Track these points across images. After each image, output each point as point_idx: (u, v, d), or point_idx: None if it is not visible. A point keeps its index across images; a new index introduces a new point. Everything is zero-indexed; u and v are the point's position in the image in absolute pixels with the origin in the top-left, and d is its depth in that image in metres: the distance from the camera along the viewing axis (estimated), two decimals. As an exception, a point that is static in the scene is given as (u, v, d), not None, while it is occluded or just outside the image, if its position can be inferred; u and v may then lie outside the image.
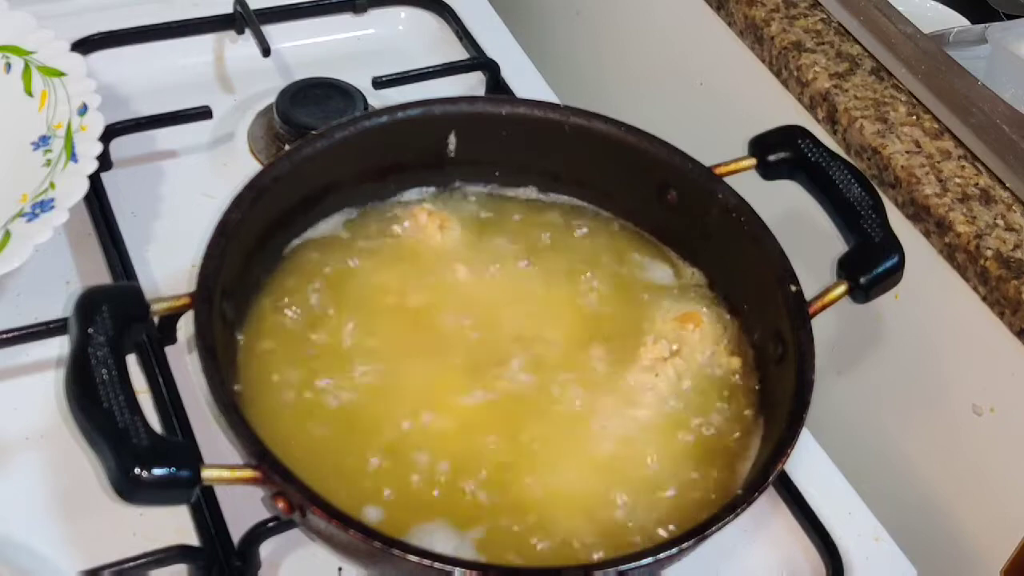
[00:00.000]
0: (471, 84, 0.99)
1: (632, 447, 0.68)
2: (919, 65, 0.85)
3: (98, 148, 0.78)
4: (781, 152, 0.76)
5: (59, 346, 0.75)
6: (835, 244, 0.73)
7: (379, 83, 0.93)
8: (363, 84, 0.92)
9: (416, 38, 1.03)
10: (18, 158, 0.80)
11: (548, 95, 0.99)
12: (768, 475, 0.61)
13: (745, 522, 0.70)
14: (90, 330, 0.58)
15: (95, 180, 0.81)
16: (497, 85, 0.97)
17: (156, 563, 0.63)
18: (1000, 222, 0.76)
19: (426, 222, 0.77)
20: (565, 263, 0.78)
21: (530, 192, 0.81)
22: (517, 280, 0.76)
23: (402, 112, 0.76)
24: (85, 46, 0.91)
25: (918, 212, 0.79)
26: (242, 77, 0.97)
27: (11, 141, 0.81)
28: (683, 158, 0.76)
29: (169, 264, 0.81)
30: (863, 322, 0.86)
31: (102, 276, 0.79)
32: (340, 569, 0.67)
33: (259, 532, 0.65)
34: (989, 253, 0.74)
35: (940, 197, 0.78)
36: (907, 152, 0.81)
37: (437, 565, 0.56)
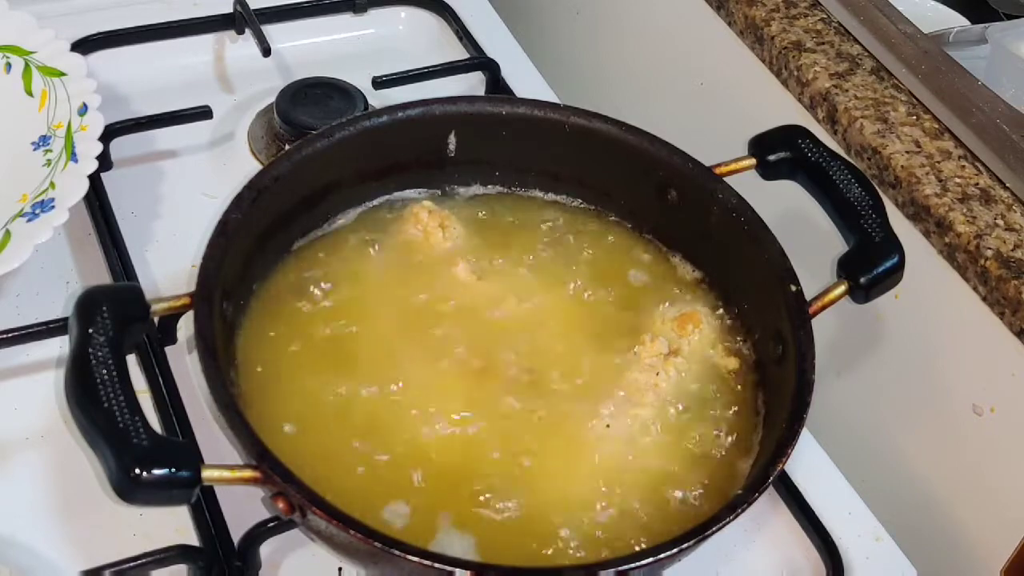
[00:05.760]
0: (471, 84, 0.99)
1: (634, 446, 0.68)
2: (919, 65, 0.85)
3: (98, 148, 0.78)
4: (781, 152, 0.76)
5: (59, 346, 0.75)
6: (835, 244, 0.73)
7: (379, 83, 0.93)
8: (363, 84, 0.92)
9: (416, 38, 1.03)
10: (18, 158, 0.80)
11: (548, 95, 0.99)
12: (768, 475, 0.61)
13: (745, 522, 0.70)
14: (90, 330, 0.58)
15: (95, 180, 0.81)
16: (497, 85, 0.97)
17: (156, 563, 0.63)
18: (1000, 222, 0.76)
19: (427, 221, 0.77)
20: (565, 263, 0.78)
21: (530, 192, 0.81)
22: (518, 279, 0.76)
23: (402, 112, 0.76)
24: (85, 46, 0.92)
25: (918, 212, 0.79)
26: (242, 77, 0.97)
27: (11, 141, 0.81)
28: (683, 158, 0.76)
29: (169, 264, 0.81)
30: (863, 322, 0.86)
31: (102, 276, 0.79)
32: (340, 569, 0.67)
33: (259, 532, 0.65)
34: (989, 253, 0.74)
35: (940, 197, 0.78)
36: (907, 152, 0.81)
37: (437, 565, 0.56)
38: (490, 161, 0.80)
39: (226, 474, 0.57)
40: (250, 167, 0.88)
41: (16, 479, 0.70)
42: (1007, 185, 0.79)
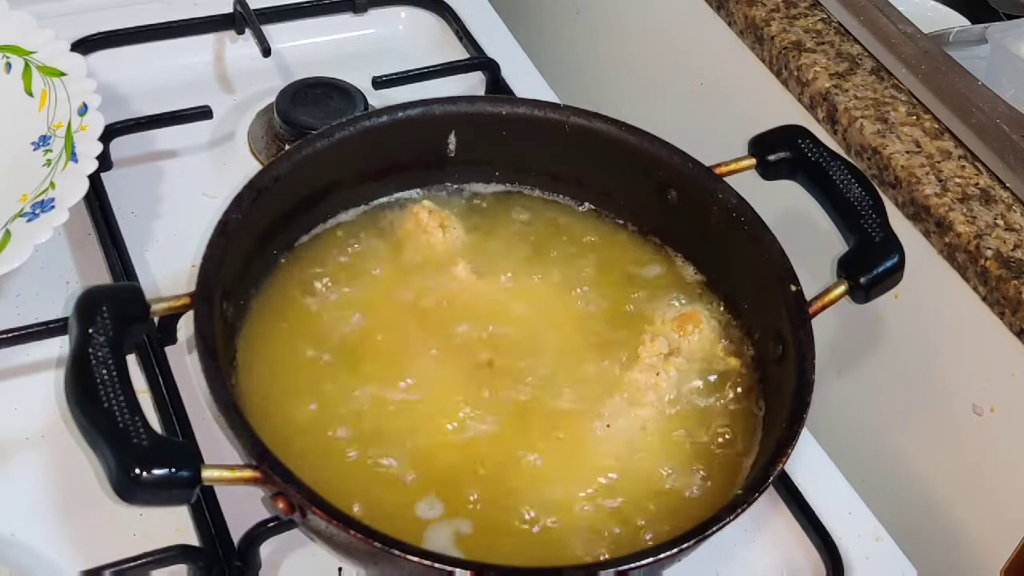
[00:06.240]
0: (471, 84, 0.99)
1: (635, 446, 0.68)
2: (919, 65, 0.85)
3: (98, 148, 0.78)
4: (781, 152, 0.76)
5: (59, 346, 0.75)
6: (835, 244, 0.73)
7: (379, 83, 0.93)
8: (363, 84, 0.92)
9: (416, 38, 1.03)
10: (18, 158, 0.80)
11: (548, 95, 0.99)
12: (768, 475, 0.61)
13: (745, 522, 0.70)
14: (90, 330, 0.58)
15: (95, 180, 0.81)
16: (497, 85, 0.97)
17: (156, 563, 0.63)
18: (1000, 222, 0.76)
19: (427, 220, 0.77)
20: (566, 263, 0.78)
21: (530, 192, 0.81)
22: (518, 279, 0.76)
23: (402, 112, 0.76)
24: (85, 46, 0.92)
25: (918, 212, 0.79)
26: (242, 77, 0.97)
27: (11, 141, 0.81)
28: (683, 158, 0.76)
29: (169, 264, 0.81)
30: (863, 322, 0.86)
31: (102, 276, 0.79)
32: (340, 569, 0.67)
33: (259, 532, 0.65)
34: (989, 253, 0.74)
35: (940, 197, 0.78)
36: (907, 152, 0.81)
37: (437, 565, 0.56)
38: (490, 161, 0.80)
39: (226, 474, 0.57)
40: (250, 167, 0.88)
41: (16, 479, 0.70)
42: (1007, 185, 0.79)
